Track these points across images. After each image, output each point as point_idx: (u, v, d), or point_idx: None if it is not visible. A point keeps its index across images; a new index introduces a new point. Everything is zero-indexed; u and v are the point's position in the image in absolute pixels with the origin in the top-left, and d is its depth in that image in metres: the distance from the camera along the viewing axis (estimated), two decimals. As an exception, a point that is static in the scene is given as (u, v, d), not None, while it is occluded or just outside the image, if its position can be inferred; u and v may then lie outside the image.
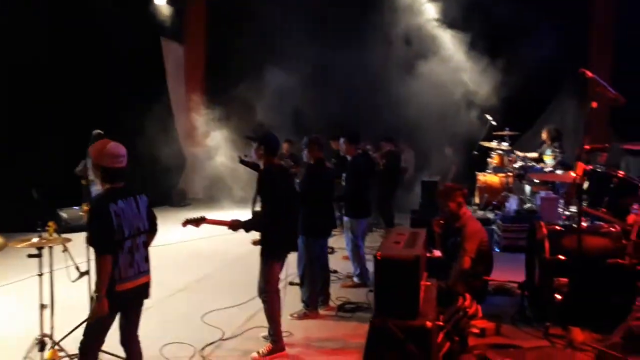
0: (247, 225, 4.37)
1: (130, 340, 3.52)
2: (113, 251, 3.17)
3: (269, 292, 4.35)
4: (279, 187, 4.40)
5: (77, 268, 4.04)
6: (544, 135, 9.25)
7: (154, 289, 5.88)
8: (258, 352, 4.28)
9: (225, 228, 4.38)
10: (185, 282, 6.36)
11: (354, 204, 6.24)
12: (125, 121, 10.21)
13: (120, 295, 3.23)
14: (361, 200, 6.26)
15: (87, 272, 4.07)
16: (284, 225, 4.39)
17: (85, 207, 7.37)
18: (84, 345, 3.27)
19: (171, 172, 12.94)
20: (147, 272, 3.43)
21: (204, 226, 4.34)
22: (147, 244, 3.45)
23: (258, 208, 4.39)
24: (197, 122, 13.27)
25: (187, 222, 4.36)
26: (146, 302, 5.38)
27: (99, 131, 7.19)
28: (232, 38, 12.46)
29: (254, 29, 12.29)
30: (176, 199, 12.74)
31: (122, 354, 3.76)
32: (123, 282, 3.23)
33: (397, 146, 9.82)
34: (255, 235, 4.46)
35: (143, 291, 3.44)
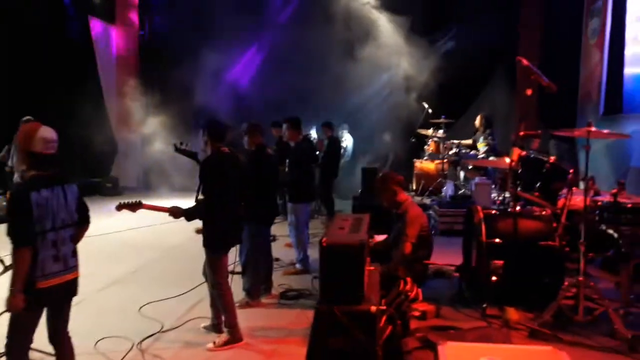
0: (188, 213, 4.20)
1: (59, 337, 3.29)
2: (31, 243, 2.92)
3: (220, 284, 4.23)
4: (226, 176, 4.25)
5: (2, 261, 3.76)
6: (477, 123, 9.56)
7: (86, 282, 5.60)
8: (214, 343, 4.17)
9: (163, 216, 4.20)
10: (119, 274, 6.10)
11: (297, 190, 6.21)
12: (52, 106, 9.65)
13: (44, 292, 2.99)
14: (305, 186, 6.24)
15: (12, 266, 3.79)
16: (229, 215, 4.26)
17: (8, 196, 6.92)
18: (9, 345, 3.03)
19: (102, 159, 12.37)
20: (75, 267, 3.20)
21: (137, 216, 4.15)
22: (75, 237, 3.20)
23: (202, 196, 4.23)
24: (130, 107, 12.74)
25: (121, 207, 4.13)
26: (79, 295, 5.16)
27: (29, 117, 6.82)
28: (165, 18, 12.01)
29: (188, 9, 11.88)
30: (108, 187, 12.18)
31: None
32: (47, 278, 2.99)
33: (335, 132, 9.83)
34: (199, 224, 4.30)
35: (71, 288, 3.21)
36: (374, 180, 9.06)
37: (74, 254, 3.19)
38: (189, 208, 4.21)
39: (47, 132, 3.07)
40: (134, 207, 4.11)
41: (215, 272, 4.22)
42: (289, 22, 12.06)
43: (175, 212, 4.16)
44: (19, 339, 3.05)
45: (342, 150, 9.91)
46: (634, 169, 7.97)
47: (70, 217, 3.13)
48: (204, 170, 4.25)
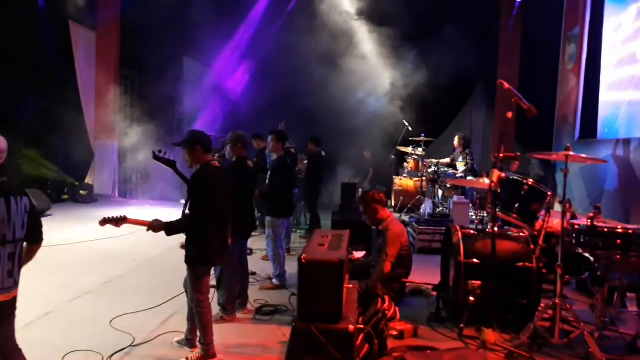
0: (169, 228, 4.03)
1: (7, 353, 2.95)
2: None
3: (200, 301, 4.08)
4: (215, 191, 4.12)
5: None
6: (456, 142, 9.68)
7: (56, 292, 5.51)
8: (186, 359, 4.04)
9: (141, 227, 4.07)
10: (91, 285, 5.93)
11: (277, 203, 6.15)
12: (28, 111, 9.44)
13: None
14: (285, 200, 6.19)
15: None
16: (215, 230, 4.14)
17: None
18: None
19: (77, 167, 12.13)
20: (9, 289, 2.84)
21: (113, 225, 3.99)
22: (16, 255, 2.87)
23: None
24: (108, 114, 12.56)
25: (105, 222, 3.92)
26: (48, 306, 5.04)
27: None
28: (147, 25, 11.88)
29: (171, 15, 11.80)
30: (82, 195, 11.93)
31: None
32: None
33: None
34: (183, 238, 4.19)
35: (4, 310, 2.85)
36: (353, 195, 9.12)
37: (10, 274, 2.85)
38: (170, 222, 4.07)
39: None
40: (118, 222, 3.92)
41: (196, 289, 4.10)
42: (278, 34, 12.08)
43: (156, 227, 4.00)
44: None
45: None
46: (607, 193, 8.13)
47: (11, 232, 2.82)
48: (193, 185, 4.13)
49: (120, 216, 3.95)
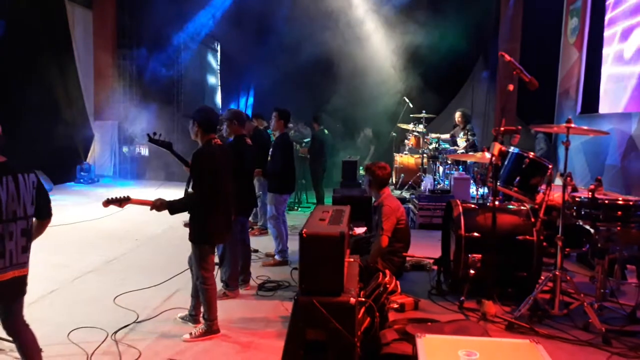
0: (172, 207, 4.01)
1: (14, 329, 3.02)
2: None
3: (205, 277, 4.12)
4: (217, 169, 4.11)
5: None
6: (457, 118, 9.62)
7: (60, 271, 5.55)
8: (190, 334, 4.09)
9: (146, 208, 4.06)
10: (94, 264, 5.97)
11: (279, 180, 6.16)
12: (27, 92, 9.39)
13: None
14: (287, 177, 6.21)
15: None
16: (218, 208, 4.14)
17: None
18: None
19: (78, 147, 12.10)
20: (22, 265, 2.91)
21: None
22: (28, 231, 2.93)
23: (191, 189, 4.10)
24: (108, 94, 12.49)
25: (109, 202, 3.91)
26: (51, 285, 5.08)
27: None
28: (144, 3, 11.74)
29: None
30: (83, 175, 11.94)
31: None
32: None
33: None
34: (186, 216, 4.19)
35: (12, 286, 2.89)
36: (354, 173, 9.12)
37: (25, 249, 2.92)
38: (173, 201, 4.06)
39: None
40: (122, 202, 3.92)
41: (200, 266, 4.13)
42: (276, 11, 11.95)
43: (159, 205, 3.97)
44: None
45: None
46: (609, 167, 8.11)
47: (22, 209, 2.88)
48: (194, 163, 4.10)
49: (124, 196, 3.95)
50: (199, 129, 4.17)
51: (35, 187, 2.96)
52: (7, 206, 2.81)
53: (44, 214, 3.07)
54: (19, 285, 2.94)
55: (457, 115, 9.64)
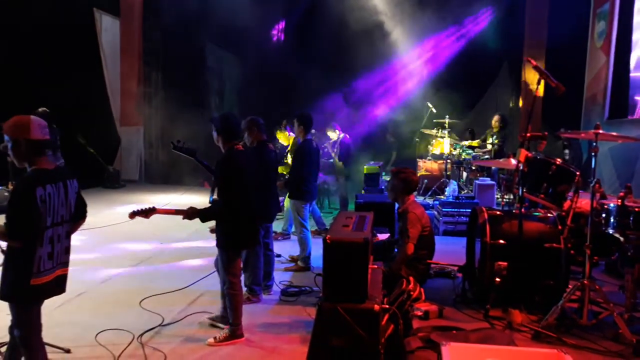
0: (204, 215, 4.03)
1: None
2: (23, 239, 2.83)
3: (232, 283, 4.14)
4: (242, 175, 4.14)
5: (3, 251, 3.72)
6: (494, 122, 9.49)
7: (88, 274, 5.65)
8: (215, 338, 4.12)
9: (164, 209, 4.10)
10: (121, 266, 6.07)
11: (300, 187, 6.17)
12: (56, 98, 9.59)
13: (37, 289, 2.90)
14: (309, 184, 6.22)
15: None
16: (244, 214, 4.17)
17: (10, 186, 6.93)
18: (23, 338, 2.96)
19: (105, 153, 12.33)
20: (65, 264, 3.09)
21: (139, 207, 4.04)
22: (69, 233, 3.11)
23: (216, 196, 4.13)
24: (134, 101, 12.71)
25: (135, 214, 3.95)
26: (80, 288, 5.17)
27: (44, 109, 6.94)
28: (170, 11, 11.93)
29: (195, 1, 11.81)
30: (109, 180, 12.16)
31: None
32: (41, 275, 2.90)
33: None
34: (212, 222, 4.22)
35: (59, 284, 3.07)
36: (376, 179, 9.09)
37: (67, 250, 3.10)
38: (205, 209, 4.08)
39: (38, 119, 2.97)
40: (148, 213, 3.95)
41: (228, 271, 4.16)
42: (300, 22, 12.05)
43: (191, 214, 4.01)
44: (28, 332, 2.99)
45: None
46: (638, 173, 7.93)
47: (68, 213, 3.05)
48: (218, 170, 4.15)
49: (149, 207, 3.97)
50: (220, 137, 4.24)
51: (77, 192, 3.14)
52: (58, 211, 2.97)
53: (80, 215, 3.23)
54: (62, 283, 3.10)
55: (495, 119, 9.51)
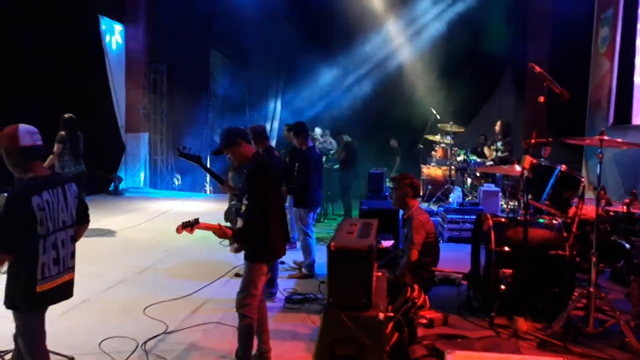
0: (237, 236, 3.72)
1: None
2: (13, 251, 2.83)
3: (249, 305, 3.61)
4: (271, 178, 3.81)
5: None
6: (497, 128, 9.47)
7: (91, 281, 5.65)
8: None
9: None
10: (124, 274, 6.07)
11: (304, 195, 6.16)
12: (60, 104, 9.63)
13: (43, 295, 2.91)
14: (313, 192, 6.21)
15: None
16: (277, 220, 3.81)
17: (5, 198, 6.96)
18: (28, 346, 2.97)
19: (109, 159, 12.36)
20: (71, 269, 3.12)
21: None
22: (75, 238, 3.13)
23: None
24: (138, 107, 12.74)
25: (182, 228, 3.56)
26: (83, 295, 5.16)
27: (70, 115, 7.06)
28: (175, 18, 11.98)
29: (199, 9, 11.86)
30: (114, 186, 12.17)
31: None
32: (46, 281, 2.91)
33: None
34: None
35: (65, 289, 3.08)
36: (380, 185, 9.07)
37: (73, 255, 3.12)
38: (238, 230, 3.71)
39: (27, 126, 2.96)
40: (193, 226, 3.57)
41: (249, 290, 3.65)
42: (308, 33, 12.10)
43: (221, 235, 3.69)
44: (33, 339, 2.99)
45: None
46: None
47: (70, 217, 3.05)
48: (251, 177, 3.71)
49: (194, 220, 3.62)
50: (241, 147, 3.81)
51: (76, 196, 3.13)
52: (59, 216, 2.97)
53: (83, 220, 3.24)
54: (69, 288, 3.13)
55: (498, 124, 9.49)
